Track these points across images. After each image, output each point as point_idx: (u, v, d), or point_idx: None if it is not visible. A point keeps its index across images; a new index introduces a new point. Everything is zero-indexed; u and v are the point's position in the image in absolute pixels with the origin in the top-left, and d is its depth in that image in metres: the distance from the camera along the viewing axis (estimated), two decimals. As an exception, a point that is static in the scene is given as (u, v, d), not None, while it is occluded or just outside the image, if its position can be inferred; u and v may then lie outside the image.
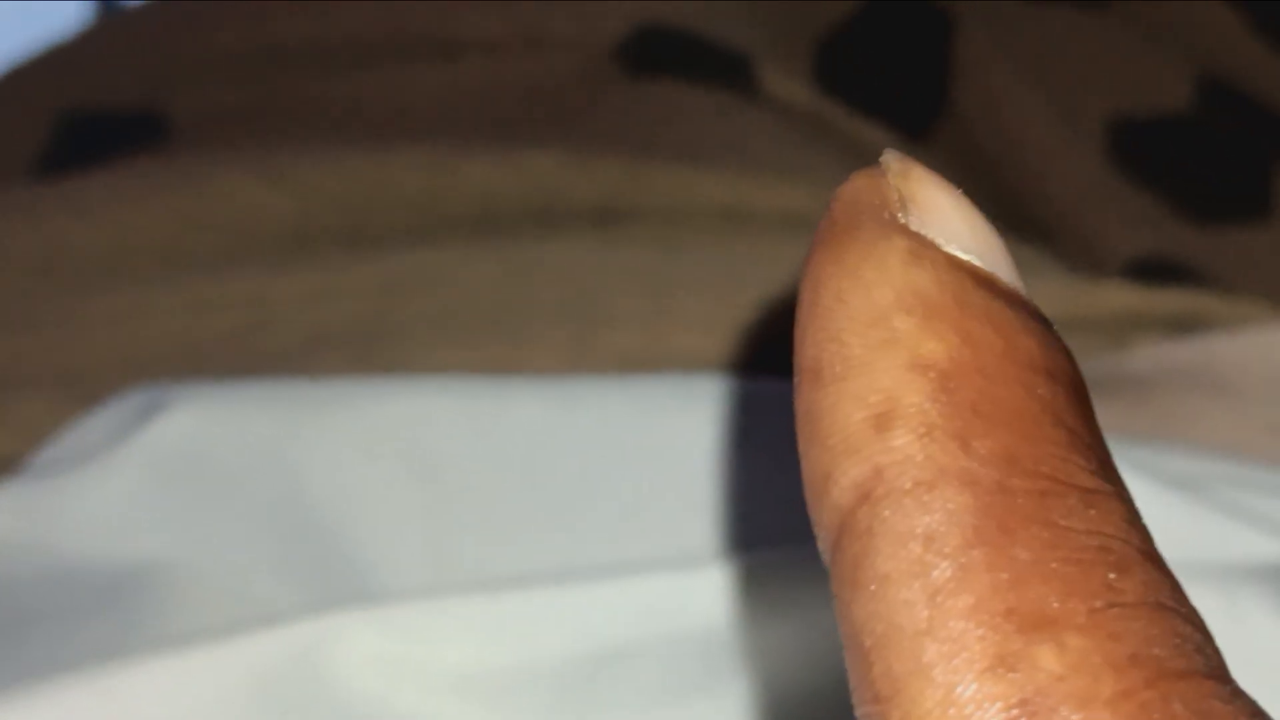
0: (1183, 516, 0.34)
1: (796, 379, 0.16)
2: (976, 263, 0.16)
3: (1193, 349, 0.42)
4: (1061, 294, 0.44)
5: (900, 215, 0.16)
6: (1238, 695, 0.15)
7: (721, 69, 0.52)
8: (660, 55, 0.51)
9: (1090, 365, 0.42)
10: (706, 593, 0.31)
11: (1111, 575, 0.15)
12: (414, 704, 0.29)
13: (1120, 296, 0.44)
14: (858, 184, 0.16)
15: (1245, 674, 0.31)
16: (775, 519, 0.32)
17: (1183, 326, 0.44)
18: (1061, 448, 0.15)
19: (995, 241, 0.16)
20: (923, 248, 0.16)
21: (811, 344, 0.16)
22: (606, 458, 0.33)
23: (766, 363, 0.40)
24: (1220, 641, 0.32)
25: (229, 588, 0.31)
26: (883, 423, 0.15)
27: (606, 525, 0.33)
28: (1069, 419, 0.16)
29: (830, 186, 0.53)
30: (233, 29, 0.53)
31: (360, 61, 0.51)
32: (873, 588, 0.15)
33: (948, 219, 0.16)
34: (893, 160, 0.17)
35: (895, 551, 0.15)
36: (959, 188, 0.17)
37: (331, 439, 0.33)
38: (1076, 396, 0.16)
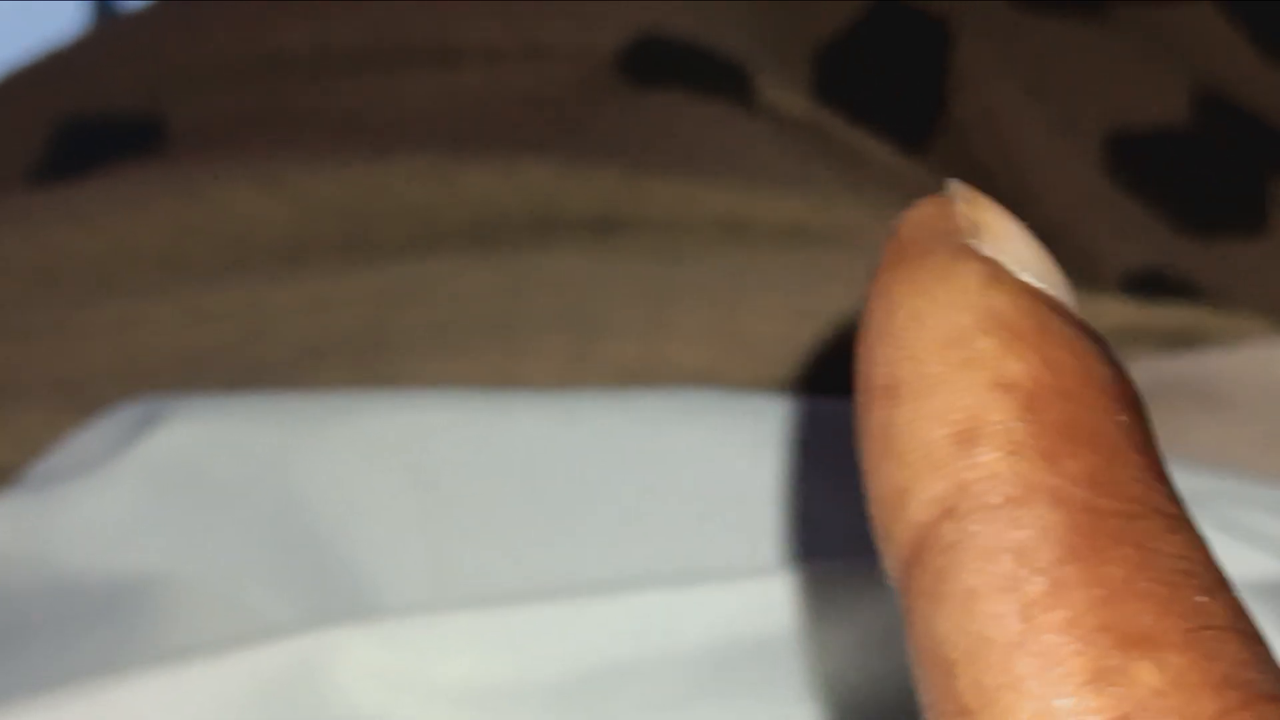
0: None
1: (864, 397, 0.16)
2: (1048, 290, 0.16)
3: (1190, 364, 0.42)
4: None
5: (972, 241, 0.16)
6: None
7: (721, 79, 0.52)
8: (660, 65, 0.51)
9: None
10: (707, 610, 0.31)
11: (1200, 598, 0.15)
12: (413, 717, 0.29)
13: (1117, 310, 0.44)
14: (926, 209, 0.17)
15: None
16: (794, 537, 0.33)
17: (1180, 341, 0.44)
18: (1144, 472, 0.16)
19: (1059, 272, 0.17)
20: (998, 273, 0.16)
21: (885, 362, 0.16)
22: (607, 472, 0.33)
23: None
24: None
25: (227, 600, 0.31)
26: (966, 439, 0.15)
27: (606, 540, 0.33)
28: (1146, 446, 0.16)
29: (829, 197, 0.53)
30: (231, 35, 0.53)
31: (359, 68, 0.51)
32: (959, 601, 0.15)
33: (1017, 247, 0.16)
34: (959, 188, 0.17)
35: (984, 566, 0.15)
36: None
37: (331, 452, 0.33)
38: (1148, 426, 0.16)
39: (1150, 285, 0.51)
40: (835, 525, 0.32)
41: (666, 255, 0.44)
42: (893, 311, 0.16)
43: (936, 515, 0.15)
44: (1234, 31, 0.58)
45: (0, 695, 0.28)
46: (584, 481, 0.33)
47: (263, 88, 0.51)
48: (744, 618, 0.31)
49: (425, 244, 0.45)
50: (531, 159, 0.46)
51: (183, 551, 0.32)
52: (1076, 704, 0.15)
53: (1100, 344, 0.16)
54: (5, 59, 0.54)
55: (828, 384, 0.41)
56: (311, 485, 0.32)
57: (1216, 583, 0.15)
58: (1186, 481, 0.36)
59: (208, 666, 0.28)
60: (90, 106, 0.51)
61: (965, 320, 0.16)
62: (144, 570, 0.31)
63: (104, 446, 0.33)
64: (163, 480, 0.32)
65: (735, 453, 0.34)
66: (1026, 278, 0.16)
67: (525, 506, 0.33)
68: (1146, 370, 0.42)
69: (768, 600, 0.31)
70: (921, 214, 0.17)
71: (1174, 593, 0.15)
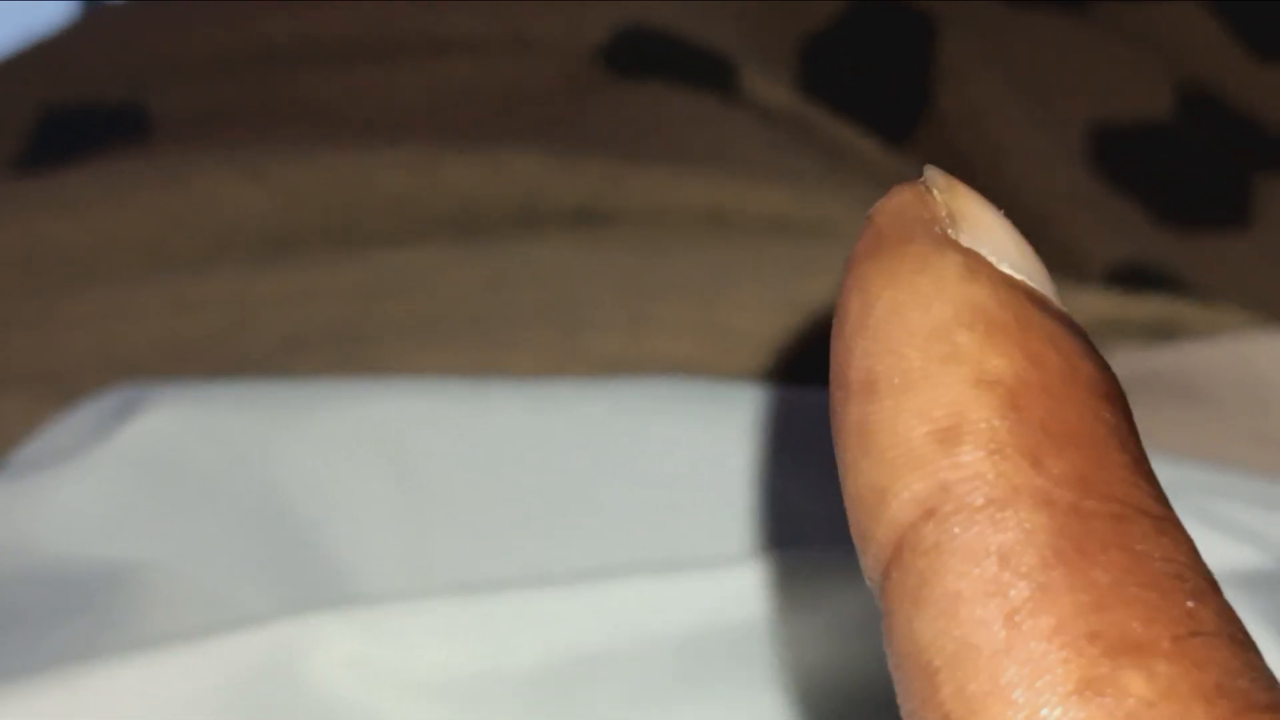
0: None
1: (840, 392, 0.16)
2: (1028, 282, 0.16)
3: (1170, 357, 0.42)
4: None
5: (950, 230, 0.16)
6: None
7: (705, 71, 0.52)
8: (644, 57, 0.52)
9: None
10: (684, 599, 0.31)
11: (1190, 603, 0.15)
12: (390, 707, 0.29)
13: (1098, 303, 0.44)
14: (904, 197, 0.16)
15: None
16: (772, 526, 0.33)
17: (1160, 334, 0.44)
18: (1130, 472, 0.15)
19: (1040, 263, 0.16)
20: (978, 264, 0.16)
21: (863, 356, 0.16)
22: (586, 461, 0.33)
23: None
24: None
25: (205, 589, 0.31)
26: (948, 438, 0.15)
27: (585, 529, 0.33)
28: (1130, 444, 0.15)
29: (812, 189, 0.53)
30: (216, 25, 0.53)
31: (344, 59, 0.51)
32: (942, 606, 0.15)
33: (997, 237, 0.16)
34: (937, 176, 0.16)
35: (968, 569, 0.15)
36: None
37: (310, 440, 0.33)
38: (1131, 422, 0.16)
39: (1132, 279, 0.51)
40: (812, 513, 0.32)
41: (650, 247, 0.45)
42: (869, 304, 0.16)
43: (917, 516, 0.15)
44: (1218, 27, 0.58)
45: (-22, 682, 0.28)
46: (563, 471, 0.33)
47: (247, 78, 0.51)
48: (723, 606, 0.31)
49: (409, 236, 0.45)
50: (516, 151, 0.46)
51: (161, 539, 0.32)
52: (1064, 714, 0.14)
53: (1082, 338, 0.16)
54: (-11, 49, 0.54)
55: (807, 374, 0.41)
56: (290, 473, 0.32)
57: (1205, 586, 0.15)
58: (1164, 472, 0.36)
59: (185, 655, 0.28)
60: (74, 96, 0.51)
61: (945, 313, 0.15)
62: (122, 558, 0.31)
63: (83, 433, 0.33)
64: (142, 468, 0.32)
65: (716, 442, 0.34)
66: (1006, 269, 0.16)
67: (504, 495, 0.33)
68: (1125, 363, 0.42)
69: (746, 589, 0.31)
70: (898, 202, 0.16)
71: (1163, 598, 0.15)
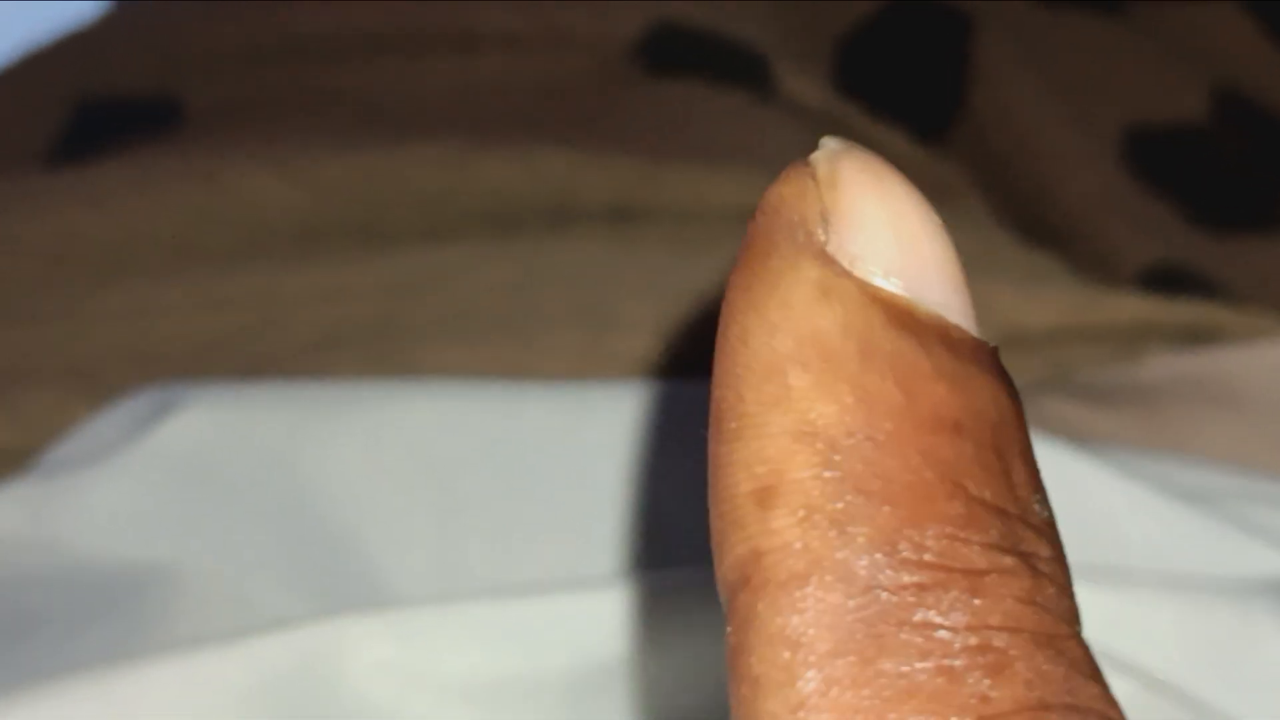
0: (1195, 531, 0.34)
1: (709, 415, 0.15)
2: (895, 287, 0.14)
3: (1205, 361, 0.42)
4: (1073, 303, 0.43)
5: (819, 232, 0.14)
6: None
7: (740, 69, 0.51)
8: (678, 54, 0.51)
9: (1101, 375, 0.42)
10: (715, 602, 0.31)
11: (986, 682, 0.14)
12: (422, 710, 0.29)
13: (1132, 306, 0.44)
14: (782, 191, 0.15)
15: (1259, 693, 0.31)
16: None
17: (1195, 338, 0.44)
18: (952, 524, 0.14)
19: (928, 248, 0.15)
20: (834, 279, 0.14)
21: (717, 385, 0.15)
22: (618, 466, 0.33)
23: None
24: (1234, 659, 0.31)
25: (237, 591, 0.31)
26: (766, 499, 0.14)
27: (616, 533, 0.33)
28: (971, 482, 0.14)
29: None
30: (250, 17, 0.53)
31: (377, 53, 0.51)
32: (745, 690, 0.14)
33: (872, 233, 0.14)
34: (823, 158, 0.15)
35: (765, 654, 0.14)
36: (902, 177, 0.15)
37: (343, 442, 0.33)
38: (989, 445, 0.14)
39: (1166, 281, 0.51)
40: None
41: (681, 246, 0.44)
42: (728, 325, 0.15)
43: (738, 580, 0.14)
44: (1254, 29, 0.57)
45: (7, 682, 0.28)
46: (594, 473, 0.33)
47: (280, 71, 0.51)
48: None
49: (440, 232, 0.44)
50: (548, 148, 0.46)
51: (193, 541, 0.31)
52: None
53: (950, 349, 0.14)
54: (23, 40, 0.54)
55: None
56: (323, 475, 0.32)
57: (1019, 652, 0.14)
58: (1203, 479, 0.36)
59: (217, 657, 0.28)
60: (108, 87, 0.51)
61: (785, 347, 0.14)
62: (154, 559, 0.31)
63: (117, 434, 0.33)
64: (175, 469, 0.32)
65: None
66: (872, 273, 0.14)
67: (535, 498, 0.33)
68: (1162, 367, 0.42)
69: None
70: (777, 195, 0.15)
71: (951, 683, 0.14)
